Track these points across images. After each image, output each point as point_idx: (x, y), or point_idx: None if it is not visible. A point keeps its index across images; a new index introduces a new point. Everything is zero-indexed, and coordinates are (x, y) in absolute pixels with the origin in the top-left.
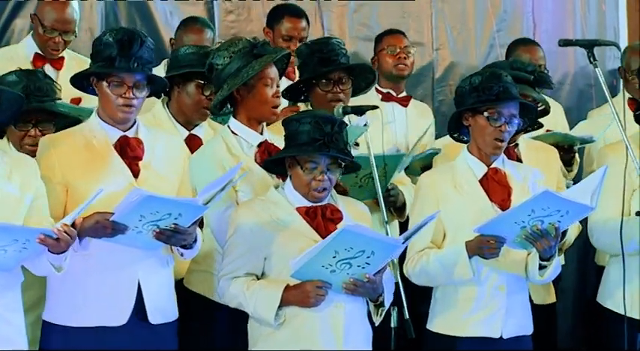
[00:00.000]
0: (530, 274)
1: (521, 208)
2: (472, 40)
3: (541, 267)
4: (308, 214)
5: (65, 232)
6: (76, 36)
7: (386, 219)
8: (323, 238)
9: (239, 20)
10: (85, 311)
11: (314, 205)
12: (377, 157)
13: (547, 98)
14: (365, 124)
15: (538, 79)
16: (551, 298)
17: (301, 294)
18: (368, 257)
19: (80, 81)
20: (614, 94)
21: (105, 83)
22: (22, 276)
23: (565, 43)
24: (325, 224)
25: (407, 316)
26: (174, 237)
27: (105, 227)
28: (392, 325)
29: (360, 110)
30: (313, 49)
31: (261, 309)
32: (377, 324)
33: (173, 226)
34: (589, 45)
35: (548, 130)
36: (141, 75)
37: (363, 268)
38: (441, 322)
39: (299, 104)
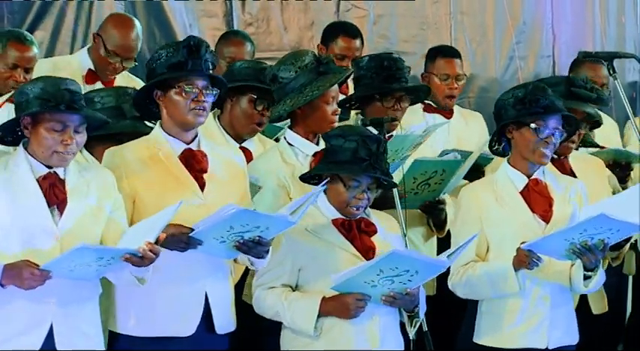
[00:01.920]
0: (575, 284)
1: (575, 228)
2: (491, 52)
3: (585, 277)
4: (344, 226)
5: (150, 250)
6: (136, 63)
7: (405, 232)
8: (359, 250)
9: (258, 33)
10: (153, 322)
11: (349, 218)
12: (436, 164)
13: (602, 114)
14: (425, 131)
15: (598, 97)
16: (604, 308)
17: (341, 306)
18: (411, 275)
19: (142, 101)
20: (633, 106)
21: (174, 90)
22: (101, 288)
23: (585, 55)
24: (360, 237)
25: (425, 328)
26: (255, 248)
27: (180, 241)
28: (411, 337)
29: (379, 122)
30: (381, 65)
31: (299, 319)
32: (411, 336)
33: (257, 238)
34: (609, 57)
35: (602, 147)
36: (208, 79)
37: (405, 284)
38: (488, 335)
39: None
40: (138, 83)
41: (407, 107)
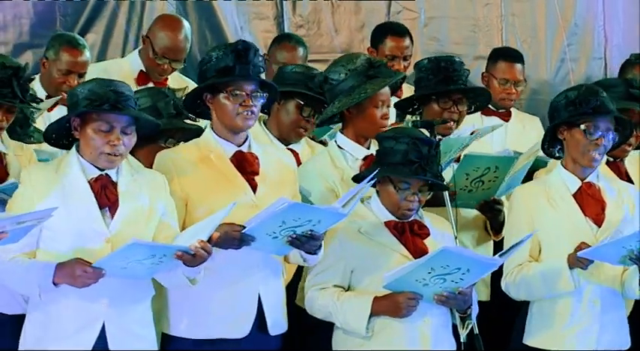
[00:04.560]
0: (628, 289)
1: (634, 236)
2: (543, 54)
3: None
4: (396, 228)
5: (202, 248)
6: (185, 64)
7: (455, 234)
8: (411, 252)
9: (309, 35)
10: (206, 323)
11: (402, 220)
12: (488, 159)
13: None
14: (472, 133)
15: None
16: None
17: (393, 304)
18: (463, 274)
19: (192, 102)
20: None
21: (222, 95)
22: (153, 290)
23: (638, 57)
24: (413, 239)
25: (476, 331)
26: (308, 243)
27: (234, 238)
28: (462, 339)
29: (430, 124)
30: (439, 66)
31: (351, 319)
32: (463, 337)
33: (310, 232)
34: None
35: None
36: (257, 84)
37: (457, 283)
38: (538, 336)
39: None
40: (189, 84)
41: (465, 111)
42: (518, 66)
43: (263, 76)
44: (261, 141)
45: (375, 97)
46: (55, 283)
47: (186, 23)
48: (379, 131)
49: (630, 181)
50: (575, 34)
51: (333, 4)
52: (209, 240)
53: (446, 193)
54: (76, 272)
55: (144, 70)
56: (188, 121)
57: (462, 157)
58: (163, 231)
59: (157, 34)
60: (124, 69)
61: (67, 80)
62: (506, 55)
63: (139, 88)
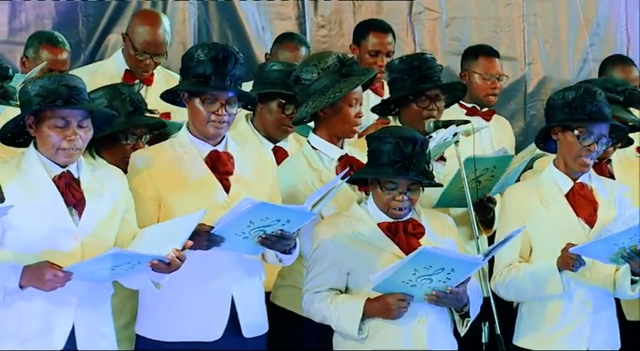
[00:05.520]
0: (619, 289)
1: (626, 233)
2: (565, 54)
3: (632, 282)
4: (390, 229)
5: (177, 257)
6: (166, 57)
7: (477, 234)
8: (405, 253)
9: (330, 35)
10: (179, 326)
11: (396, 221)
12: (489, 161)
13: None
14: (455, 135)
15: (629, 99)
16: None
17: (383, 306)
18: (448, 274)
19: (171, 95)
20: None
21: (197, 100)
22: (112, 288)
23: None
24: (407, 240)
25: (498, 331)
26: (279, 243)
27: (202, 239)
28: (483, 340)
29: (449, 125)
30: (411, 66)
31: (344, 322)
32: (462, 334)
33: (280, 232)
34: None
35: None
36: (233, 92)
37: (444, 282)
38: (527, 337)
39: (389, 117)
40: (177, 79)
41: (443, 106)
42: (497, 60)
43: None
44: (249, 140)
45: (348, 96)
46: (21, 286)
47: (164, 17)
48: (353, 130)
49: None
50: (597, 34)
51: (354, 5)
52: (183, 248)
53: (467, 190)
54: (45, 276)
55: (128, 68)
56: (148, 115)
57: (464, 161)
58: (126, 228)
59: (136, 29)
60: (110, 69)
61: None
62: (485, 50)
63: (95, 89)
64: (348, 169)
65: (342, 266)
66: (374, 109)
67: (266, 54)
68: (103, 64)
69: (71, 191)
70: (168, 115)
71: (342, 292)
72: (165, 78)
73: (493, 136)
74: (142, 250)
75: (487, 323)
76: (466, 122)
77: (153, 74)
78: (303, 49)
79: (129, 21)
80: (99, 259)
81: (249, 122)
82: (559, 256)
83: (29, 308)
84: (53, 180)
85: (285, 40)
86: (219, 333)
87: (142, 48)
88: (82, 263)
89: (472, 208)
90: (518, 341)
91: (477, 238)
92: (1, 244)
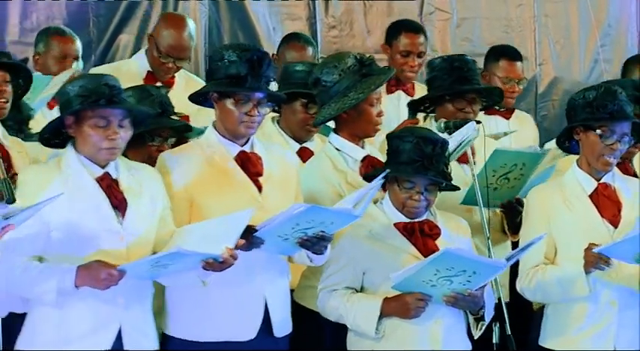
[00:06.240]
0: None
1: None
2: (576, 54)
3: None
4: (406, 229)
5: (230, 255)
6: (190, 61)
7: (488, 234)
8: (421, 253)
9: (341, 36)
10: (213, 326)
11: (412, 221)
12: (517, 155)
13: None
14: (474, 130)
15: None
16: None
17: (401, 305)
18: (469, 276)
19: (197, 95)
20: None
21: (230, 100)
22: (153, 287)
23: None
24: (423, 240)
25: (509, 331)
26: (318, 244)
27: (245, 241)
28: (494, 340)
29: (461, 125)
30: (452, 66)
31: (361, 320)
32: (476, 338)
33: (320, 233)
34: None
35: None
36: (264, 93)
37: (464, 285)
38: (553, 338)
39: (418, 116)
40: (197, 82)
41: (478, 110)
42: (519, 64)
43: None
44: (275, 141)
45: (369, 96)
46: (76, 286)
47: (190, 21)
48: (375, 129)
49: None
50: (608, 34)
51: (365, 5)
52: (236, 246)
53: (477, 190)
54: (100, 275)
55: (150, 70)
56: (174, 118)
57: (492, 153)
58: (164, 227)
59: (161, 32)
60: (132, 69)
61: (63, 66)
62: (508, 53)
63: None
64: (385, 173)
65: (358, 265)
66: (409, 104)
67: (273, 54)
68: (125, 63)
69: (113, 192)
70: (187, 118)
71: (357, 291)
72: (186, 81)
73: (513, 135)
74: (197, 249)
75: (498, 324)
76: (477, 122)
77: (174, 77)
78: (310, 49)
79: (140, 21)
80: (159, 258)
81: (276, 124)
82: (584, 258)
83: (79, 309)
84: (96, 181)
85: (291, 40)
86: (253, 333)
87: (165, 51)
88: (139, 262)
89: (482, 206)
90: (544, 342)
91: (488, 238)
92: (48, 245)
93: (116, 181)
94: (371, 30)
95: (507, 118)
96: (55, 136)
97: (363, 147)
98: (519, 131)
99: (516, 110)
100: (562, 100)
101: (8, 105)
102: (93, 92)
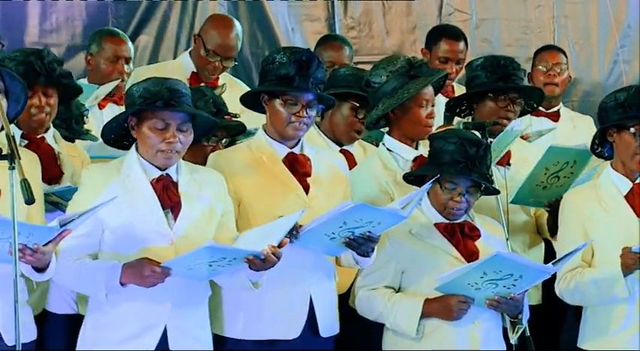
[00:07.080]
0: None
1: None
2: (595, 56)
3: None
4: (447, 230)
5: (273, 253)
6: (236, 62)
7: (507, 235)
8: (462, 254)
9: (360, 36)
10: (260, 324)
11: (452, 222)
12: (571, 152)
13: None
14: (519, 129)
15: None
16: None
17: (444, 307)
18: (515, 280)
19: (249, 99)
20: None
21: (278, 101)
22: (210, 290)
23: None
24: (464, 241)
25: (528, 333)
26: (365, 244)
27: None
28: (512, 342)
29: (481, 126)
30: (498, 64)
31: (402, 320)
32: (513, 342)
33: (368, 233)
34: None
35: None
36: (313, 94)
37: (509, 288)
38: (593, 340)
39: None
40: (239, 85)
41: (519, 111)
42: (557, 52)
43: None
44: (316, 143)
45: (418, 97)
46: (122, 284)
47: (237, 23)
48: (425, 131)
49: None
50: (627, 35)
51: (384, 6)
52: (279, 245)
53: (498, 197)
54: (144, 272)
55: (195, 70)
56: (228, 118)
57: (546, 150)
58: (223, 231)
59: (209, 32)
60: (175, 70)
61: (115, 68)
62: (546, 47)
63: None
64: (438, 175)
65: (399, 264)
66: (448, 103)
67: None
68: (170, 63)
69: (168, 194)
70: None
71: (396, 291)
72: (229, 83)
73: (559, 137)
74: (239, 247)
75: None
76: (496, 124)
77: (218, 78)
78: (347, 49)
79: (159, 22)
80: (195, 253)
81: (315, 126)
82: (621, 260)
83: (126, 310)
84: (151, 183)
85: (328, 40)
86: (297, 332)
87: (213, 50)
88: (178, 258)
89: (502, 209)
90: (583, 344)
91: (507, 239)
92: (101, 244)
93: (175, 184)
94: (390, 31)
95: (555, 121)
96: (123, 138)
97: (416, 148)
98: (572, 133)
99: (564, 109)
100: (581, 101)
101: (49, 118)
102: (153, 94)
